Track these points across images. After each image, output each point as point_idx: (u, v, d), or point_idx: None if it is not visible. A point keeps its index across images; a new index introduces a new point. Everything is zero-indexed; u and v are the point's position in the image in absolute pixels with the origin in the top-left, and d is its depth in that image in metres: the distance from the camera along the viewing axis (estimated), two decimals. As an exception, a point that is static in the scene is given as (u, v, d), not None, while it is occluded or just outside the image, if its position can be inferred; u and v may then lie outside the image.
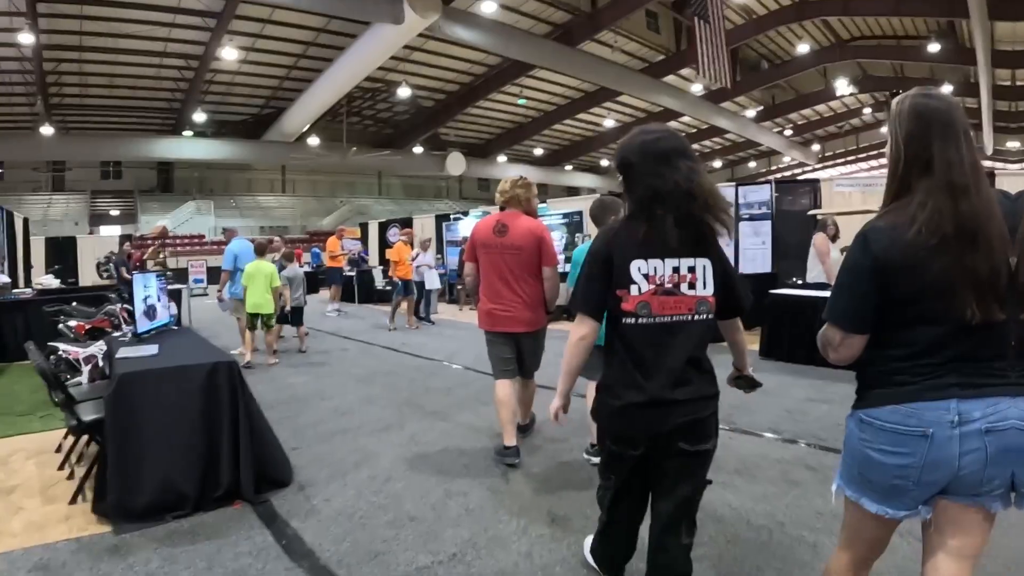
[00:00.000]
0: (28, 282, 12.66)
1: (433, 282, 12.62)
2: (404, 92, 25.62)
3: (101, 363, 4.96)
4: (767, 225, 10.51)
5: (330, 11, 18.07)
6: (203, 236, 29.64)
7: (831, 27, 25.66)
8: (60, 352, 5.53)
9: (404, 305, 11.39)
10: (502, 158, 37.04)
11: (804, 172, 39.53)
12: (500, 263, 4.19)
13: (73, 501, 3.73)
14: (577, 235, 14.84)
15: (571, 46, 23.00)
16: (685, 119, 31.88)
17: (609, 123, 31.70)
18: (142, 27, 20.20)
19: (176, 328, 5.58)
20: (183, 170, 32.65)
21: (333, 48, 22.08)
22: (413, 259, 11.50)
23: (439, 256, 16.22)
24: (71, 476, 4.12)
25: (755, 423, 5.04)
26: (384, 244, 18.92)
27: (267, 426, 4.15)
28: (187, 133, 27.94)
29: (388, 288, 12.85)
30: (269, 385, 6.84)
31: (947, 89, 18.40)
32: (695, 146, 38.30)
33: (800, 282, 8.46)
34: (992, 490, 1.60)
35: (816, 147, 40.03)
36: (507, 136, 35.42)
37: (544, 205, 15.90)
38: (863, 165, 38.90)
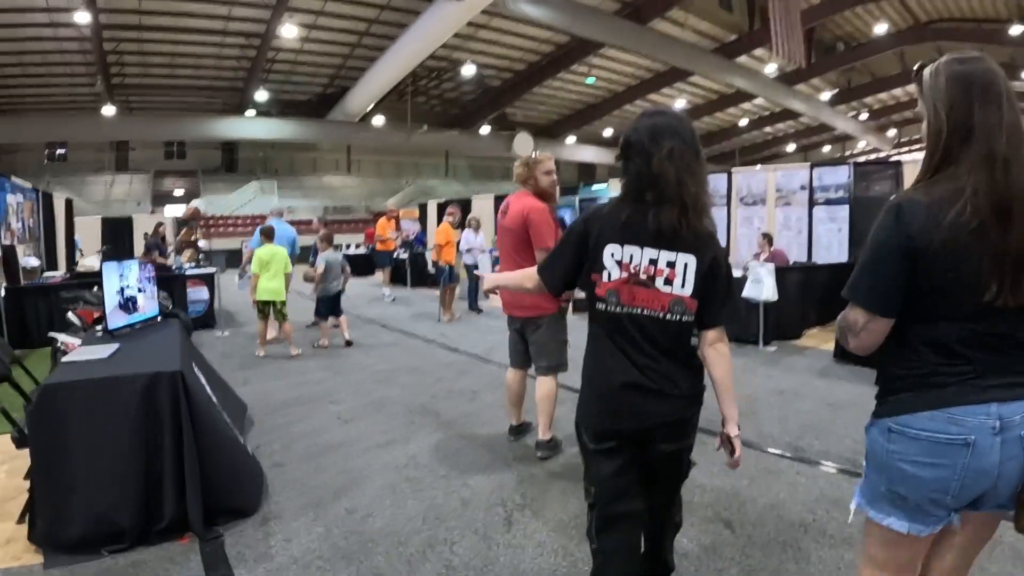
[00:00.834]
0: (71, 264, 12.59)
1: (484, 266, 11.87)
2: (469, 70, 25.32)
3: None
4: (844, 210, 10.08)
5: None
6: (265, 216, 29.84)
7: (909, 8, 24.56)
8: (59, 343, 5.09)
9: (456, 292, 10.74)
10: (571, 139, 36.77)
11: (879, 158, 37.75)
12: (502, 244, 4.26)
13: (21, 521, 3.29)
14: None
15: (640, 24, 22.49)
16: (758, 101, 31.51)
17: (680, 104, 31.00)
18: (202, 5, 20.41)
19: (161, 321, 4.99)
20: (247, 150, 33.08)
21: (396, 26, 21.90)
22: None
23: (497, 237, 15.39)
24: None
25: (826, 451, 4.17)
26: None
27: (231, 445, 3.62)
28: (250, 112, 28.28)
29: (433, 273, 12.07)
30: (282, 382, 6.37)
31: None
32: (767, 129, 38.09)
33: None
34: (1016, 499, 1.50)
35: (892, 133, 38.67)
36: (576, 117, 35.01)
37: (603, 186, 15.07)
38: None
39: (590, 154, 38.45)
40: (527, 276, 2.25)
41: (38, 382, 4.20)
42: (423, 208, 21.16)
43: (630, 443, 2.04)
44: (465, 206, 17.72)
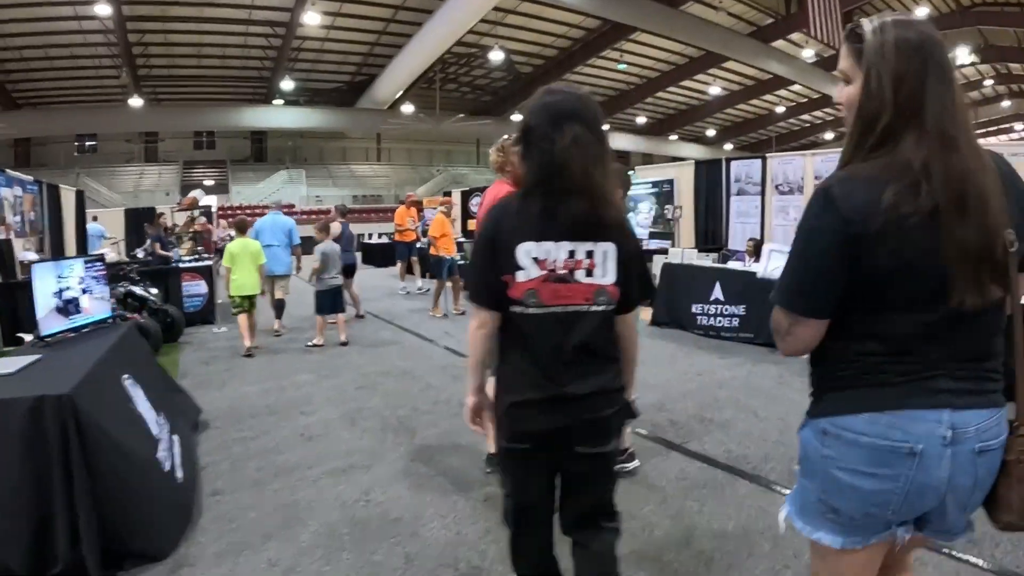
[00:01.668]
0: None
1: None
2: (497, 56, 24.79)
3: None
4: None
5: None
6: (292, 205, 29.83)
7: (951, -10, 22.97)
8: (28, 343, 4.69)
9: (450, 285, 10.09)
10: (604, 127, 35.26)
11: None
12: None
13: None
14: (668, 207, 13.19)
15: (674, 7, 21.86)
16: (796, 88, 30.62)
17: (715, 91, 30.15)
18: None
19: (113, 324, 4.52)
20: (277, 139, 33.09)
21: (422, 11, 21.62)
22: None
23: None
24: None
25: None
26: (467, 215, 17.73)
27: (144, 477, 3.15)
28: (278, 102, 28.25)
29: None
30: (259, 386, 5.96)
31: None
32: (804, 117, 36.85)
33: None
34: (965, 521, 1.41)
35: None
36: (609, 104, 34.36)
37: (630, 172, 14.37)
38: (982, 142, 35.26)
39: (624, 142, 37.80)
40: (473, 342, 1.98)
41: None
42: (447, 196, 20.62)
43: (546, 445, 1.92)
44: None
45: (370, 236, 22.50)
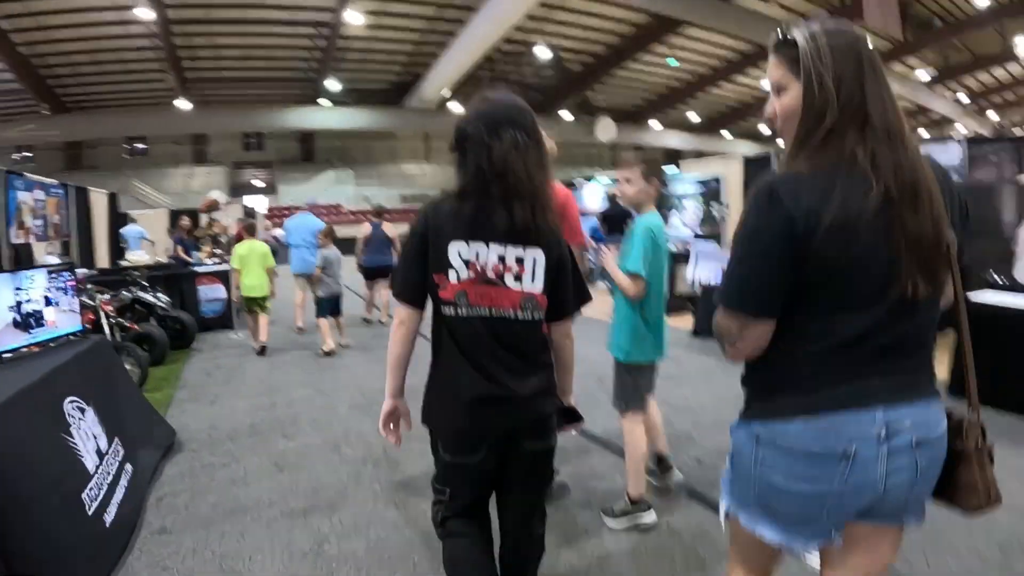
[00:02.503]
0: (115, 259, 12.30)
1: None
2: (545, 53, 24.30)
3: None
4: (958, 196, 8.00)
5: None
6: (340, 206, 29.94)
7: (1015, -20, 21.29)
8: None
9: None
10: (655, 124, 35.72)
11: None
12: None
13: None
14: (714, 204, 12.48)
15: (724, 0, 20.81)
16: None
17: (768, 86, 28.54)
18: None
19: (78, 339, 4.23)
20: (325, 140, 33.28)
21: (466, 9, 21.17)
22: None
23: None
24: None
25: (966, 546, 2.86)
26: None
27: (50, 520, 2.78)
28: (325, 102, 28.33)
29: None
30: (251, 401, 5.71)
31: None
32: None
33: (1005, 281, 5.89)
34: (915, 509, 1.43)
35: (993, 116, 35.04)
36: (660, 101, 33.70)
37: (675, 170, 13.70)
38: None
39: (676, 140, 37.00)
40: (393, 341, 2.00)
41: None
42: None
43: (489, 447, 1.92)
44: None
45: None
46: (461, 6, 21.45)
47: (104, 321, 6.10)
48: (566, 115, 31.62)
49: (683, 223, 12.72)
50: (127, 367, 6.06)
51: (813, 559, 1.57)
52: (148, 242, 14.21)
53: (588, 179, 16.22)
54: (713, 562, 2.88)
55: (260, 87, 27.55)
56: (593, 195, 15.15)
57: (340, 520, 3.39)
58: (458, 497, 2.01)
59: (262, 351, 7.59)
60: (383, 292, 9.60)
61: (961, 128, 36.30)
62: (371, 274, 9.40)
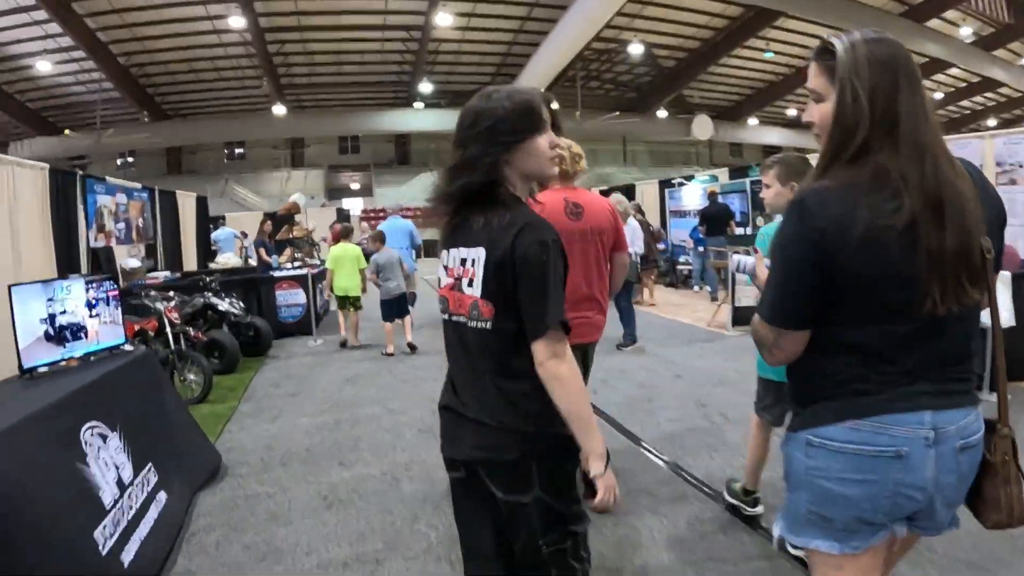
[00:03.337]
0: (204, 263, 12.42)
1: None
2: (636, 50, 23.67)
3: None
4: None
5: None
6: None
7: None
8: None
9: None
10: (753, 120, 34.57)
11: None
12: (584, 254, 3.31)
13: None
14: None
15: None
16: (954, 71, 26.75)
17: None
18: (358, 1, 20.58)
19: (119, 353, 3.90)
20: (420, 142, 33.55)
21: (557, 7, 20.87)
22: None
23: (659, 230, 13.57)
24: None
25: None
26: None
27: (54, 563, 2.35)
28: (419, 105, 28.62)
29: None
30: (315, 419, 5.29)
31: None
32: (964, 103, 32.75)
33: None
34: (952, 516, 1.45)
35: None
36: (757, 97, 32.31)
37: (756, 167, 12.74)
38: None
39: (775, 136, 35.36)
40: None
41: None
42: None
43: (468, 473, 1.74)
44: (628, 191, 16.03)
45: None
46: (551, 5, 21.16)
47: (168, 328, 5.84)
48: (662, 114, 30.78)
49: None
50: (190, 377, 5.85)
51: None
52: (241, 235, 14.37)
53: (688, 178, 15.35)
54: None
55: (354, 91, 28.15)
56: (692, 195, 14.35)
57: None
58: (461, 530, 1.85)
59: (344, 343, 8.23)
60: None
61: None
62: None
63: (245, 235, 14.68)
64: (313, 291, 9.33)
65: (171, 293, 7.23)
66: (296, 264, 10.30)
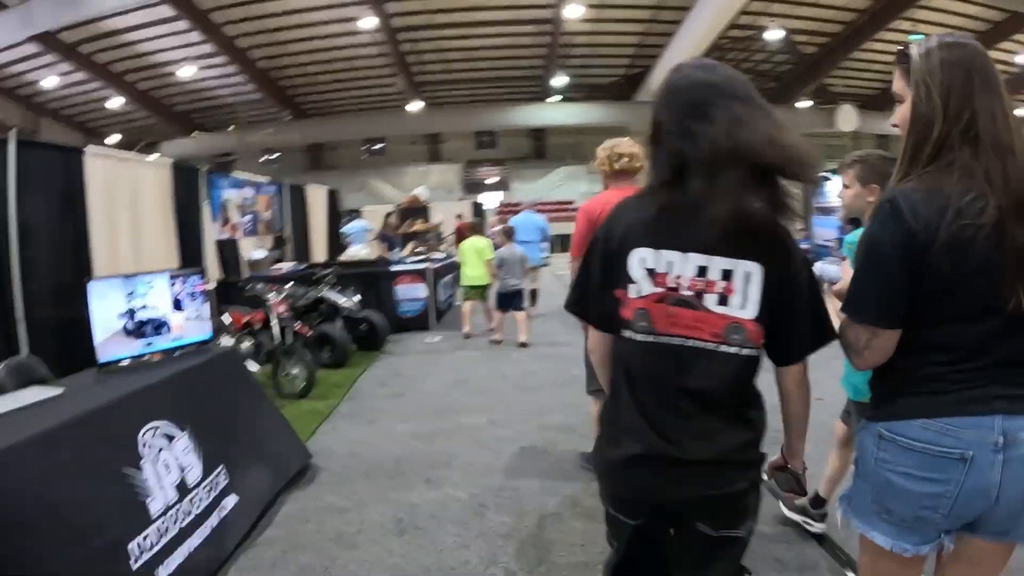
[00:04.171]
0: (334, 255, 12.63)
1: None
2: (775, 35, 21.95)
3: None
4: None
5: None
6: (572, 202, 29.82)
7: None
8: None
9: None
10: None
11: None
12: None
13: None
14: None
15: None
16: None
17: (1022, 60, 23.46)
18: None
19: (201, 349, 3.73)
20: (556, 136, 33.36)
21: None
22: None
23: (802, 228, 12.50)
24: None
25: None
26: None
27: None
28: (553, 99, 28.42)
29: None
30: (413, 425, 4.98)
31: None
32: None
33: None
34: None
35: None
36: None
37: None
38: None
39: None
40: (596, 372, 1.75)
41: None
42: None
43: (653, 514, 1.57)
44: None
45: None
46: (685, -9, 20.08)
47: (274, 322, 5.75)
48: (803, 104, 28.57)
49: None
50: (293, 371, 5.72)
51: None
52: (374, 229, 14.59)
53: (834, 172, 14.06)
54: None
55: (488, 86, 28.27)
56: (837, 191, 13.07)
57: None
58: (623, 557, 1.67)
59: (467, 335, 8.47)
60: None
61: None
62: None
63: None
64: (434, 286, 9.16)
65: (290, 284, 7.23)
66: (418, 258, 10.18)
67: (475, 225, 9.29)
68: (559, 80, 26.48)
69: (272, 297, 5.95)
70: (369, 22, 18.88)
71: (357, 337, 7.68)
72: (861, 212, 2.85)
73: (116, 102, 23.43)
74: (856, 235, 2.66)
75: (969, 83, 1.36)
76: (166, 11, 17.08)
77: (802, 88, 27.93)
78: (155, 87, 23.75)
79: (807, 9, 22.05)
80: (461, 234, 18.76)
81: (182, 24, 18.36)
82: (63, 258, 5.37)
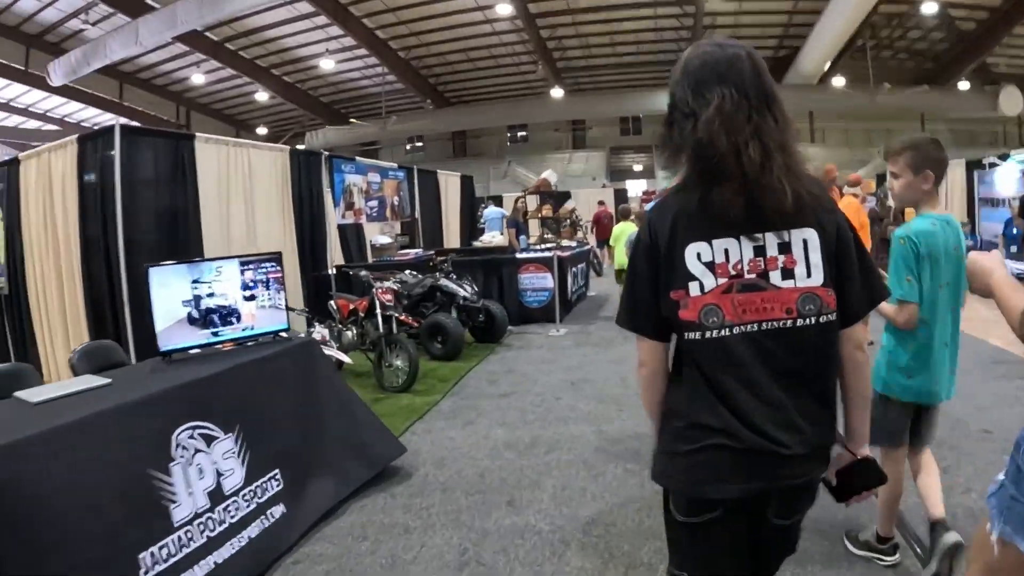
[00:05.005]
0: (468, 241, 12.50)
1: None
2: (929, 9, 19.39)
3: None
4: None
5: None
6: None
7: None
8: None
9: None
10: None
11: None
12: None
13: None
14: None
15: None
16: None
17: None
18: None
19: (278, 340, 3.48)
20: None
21: None
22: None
23: (965, 222, 10.98)
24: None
25: None
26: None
27: None
28: (699, 84, 26.77)
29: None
30: (507, 432, 4.52)
31: None
32: None
33: None
34: None
35: None
36: None
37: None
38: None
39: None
40: (642, 387, 1.55)
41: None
42: (880, 179, 16.64)
43: (735, 512, 1.44)
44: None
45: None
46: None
47: (378, 310, 5.48)
48: (963, 85, 25.17)
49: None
50: (396, 363, 5.43)
51: None
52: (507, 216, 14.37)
53: (1003, 158, 12.09)
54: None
55: (631, 71, 27.33)
56: (1006, 179, 11.23)
57: None
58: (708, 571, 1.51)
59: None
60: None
61: None
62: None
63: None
64: (562, 275, 8.65)
65: (407, 272, 6.98)
66: (546, 246, 9.68)
67: (626, 211, 8.91)
68: (704, 63, 25.32)
69: (379, 285, 5.70)
70: (505, 8, 18.71)
71: (474, 328, 7.34)
72: (915, 203, 2.60)
73: (262, 95, 25.03)
74: (906, 228, 2.49)
75: None
76: (305, 7, 17.92)
77: (961, 68, 24.68)
78: (299, 80, 25.07)
79: (965, -20, 19.40)
80: (599, 222, 18.16)
81: (321, 19, 19.20)
82: (174, 242, 5.40)
